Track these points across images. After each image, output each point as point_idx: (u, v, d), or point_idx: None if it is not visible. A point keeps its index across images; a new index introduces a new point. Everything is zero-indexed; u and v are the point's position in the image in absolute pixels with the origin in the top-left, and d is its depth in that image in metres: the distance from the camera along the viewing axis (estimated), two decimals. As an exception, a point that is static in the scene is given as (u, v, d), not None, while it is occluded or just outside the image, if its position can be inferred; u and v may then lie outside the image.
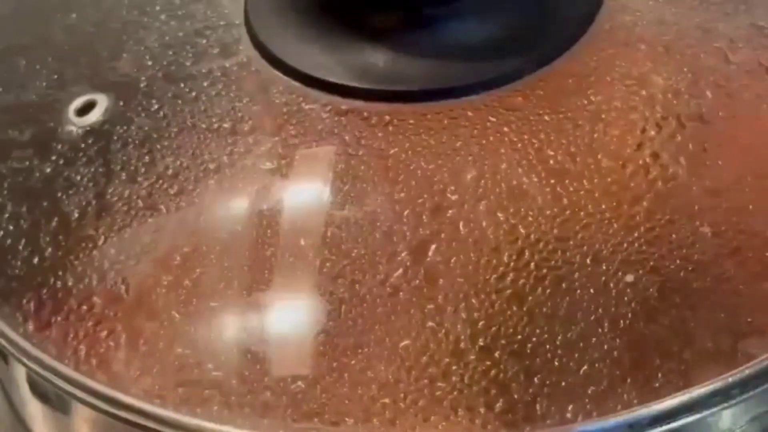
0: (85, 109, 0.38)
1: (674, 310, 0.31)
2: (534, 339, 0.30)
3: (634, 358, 0.30)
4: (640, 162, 0.33)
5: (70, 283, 0.34)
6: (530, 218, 0.32)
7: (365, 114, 0.35)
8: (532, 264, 0.31)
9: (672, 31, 0.36)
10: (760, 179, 0.33)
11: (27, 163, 0.38)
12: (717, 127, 0.34)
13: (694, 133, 0.34)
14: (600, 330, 0.30)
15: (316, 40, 0.37)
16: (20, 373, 0.37)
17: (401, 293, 0.32)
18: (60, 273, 0.35)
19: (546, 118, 0.34)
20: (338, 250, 0.33)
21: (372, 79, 0.36)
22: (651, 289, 0.31)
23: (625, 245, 0.32)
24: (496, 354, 0.30)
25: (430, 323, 0.31)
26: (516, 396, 0.30)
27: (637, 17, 0.37)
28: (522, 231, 0.32)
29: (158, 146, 0.36)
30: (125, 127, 0.37)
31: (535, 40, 0.36)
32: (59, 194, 0.36)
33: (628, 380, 0.30)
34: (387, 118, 0.35)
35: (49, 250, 0.35)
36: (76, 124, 0.38)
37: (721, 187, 0.33)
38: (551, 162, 0.33)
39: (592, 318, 0.31)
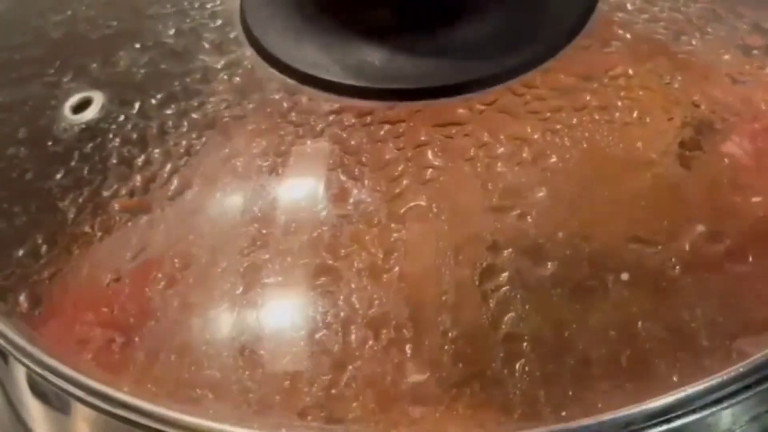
0: (81, 107, 0.39)
1: (670, 309, 0.31)
2: (529, 338, 0.31)
3: (630, 356, 0.30)
4: (637, 161, 0.33)
5: (67, 282, 0.34)
6: (526, 217, 0.32)
7: (361, 112, 0.35)
8: (529, 263, 0.32)
9: (668, 31, 0.37)
10: (757, 179, 0.33)
11: (23, 160, 0.38)
12: (714, 126, 0.34)
13: (691, 132, 0.34)
14: (596, 329, 0.31)
15: (312, 38, 0.37)
16: (20, 373, 0.37)
17: (397, 291, 0.32)
18: (57, 271, 0.35)
19: (542, 116, 0.34)
20: (334, 247, 0.33)
21: (368, 77, 0.36)
22: (646, 288, 0.31)
23: (622, 244, 0.32)
24: (493, 353, 0.30)
25: (427, 322, 0.31)
26: (512, 395, 0.30)
27: (633, 17, 0.37)
28: (518, 229, 0.32)
29: (154, 143, 0.36)
30: (121, 125, 0.37)
31: (530, 39, 0.36)
32: (55, 192, 0.36)
33: (624, 379, 0.30)
34: (383, 116, 0.35)
35: (46, 248, 0.35)
36: (71, 122, 0.38)
37: (717, 186, 0.33)
38: (547, 161, 0.33)
39: (588, 316, 0.31)
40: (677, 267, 0.31)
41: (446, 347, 0.31)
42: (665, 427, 0.29)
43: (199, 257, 0.33)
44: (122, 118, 0.38)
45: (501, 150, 0.34)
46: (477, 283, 0.31)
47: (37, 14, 0.43)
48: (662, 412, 0.29)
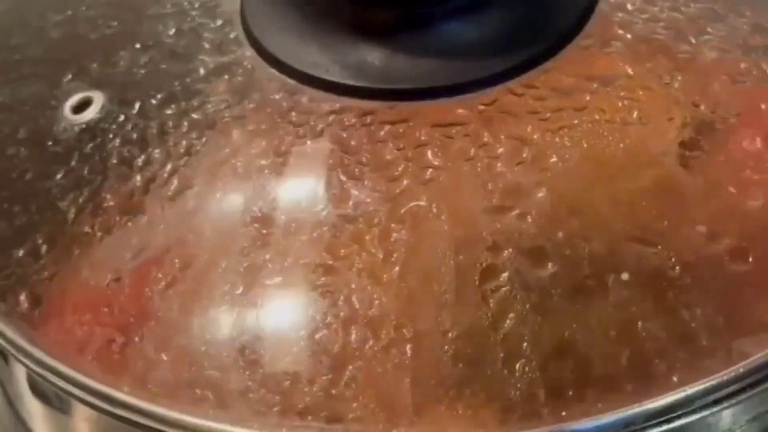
0: (81, 107, 0.38)
1: (670, 309, 0.31)
2: (529, 338, 0.31)
3: (630, 356, 0.30)
4: (637, 161, 0.33)
5: (67, 281, 0.34)
6: (526, 217, 0.32)
7: (361, 112, 0.35)
8: (528, 263, 0.32)
9: (668, 31, 0.37)
10: (756, 179, 0.33)
11: (23, 160, 0.38)
12: (714, 126, 0.34)
13: (691, 132, 0.34)
14: (596, 329, 0.31)
15: (312, 38, 0.37)
16: (20, 373, 0.37)
17: (397, 291, 0.32)
18: (57, 271, 0.35)
19: (542, 116, 0.34)
20: (334, 247, 0.33)
21: (368, 77, 0.36)
22: (646, 288, 0.31)
23: (622, 244, 0.32)
24: (492, 354, 0.30)
25: (426, 322, 0.31)
26: (512, 395, 0.30)
27: (633, 17, 0.37)
28: (518, 229, 0.32)
29: (154, 143, 0.36)
30: (121, 125, 0.37)
31: (530, 39, 0.36)
32: (55, 192, 0.36)
33: (624, 379, 0.30)
34: (383, 116, 0.35)
35: (46, 248, 0.35)
36: (71, 122, 0.38)
37: (717, 186, 0.33)
38: (547, 161, 0.33)
39: (588, 317, 0.31)
40: (677, 267, 0.31)
41: (446, 347, 0.31)
42: (665, 427, 0.29)
43: (199, 257, 0.33)
44: (122, 118, 0.38)
45: (501, 150, 0.34)
46: (477, 283, 0.31)
47: (37, 14, 0.43)
48: (662, 412, 0.29)
